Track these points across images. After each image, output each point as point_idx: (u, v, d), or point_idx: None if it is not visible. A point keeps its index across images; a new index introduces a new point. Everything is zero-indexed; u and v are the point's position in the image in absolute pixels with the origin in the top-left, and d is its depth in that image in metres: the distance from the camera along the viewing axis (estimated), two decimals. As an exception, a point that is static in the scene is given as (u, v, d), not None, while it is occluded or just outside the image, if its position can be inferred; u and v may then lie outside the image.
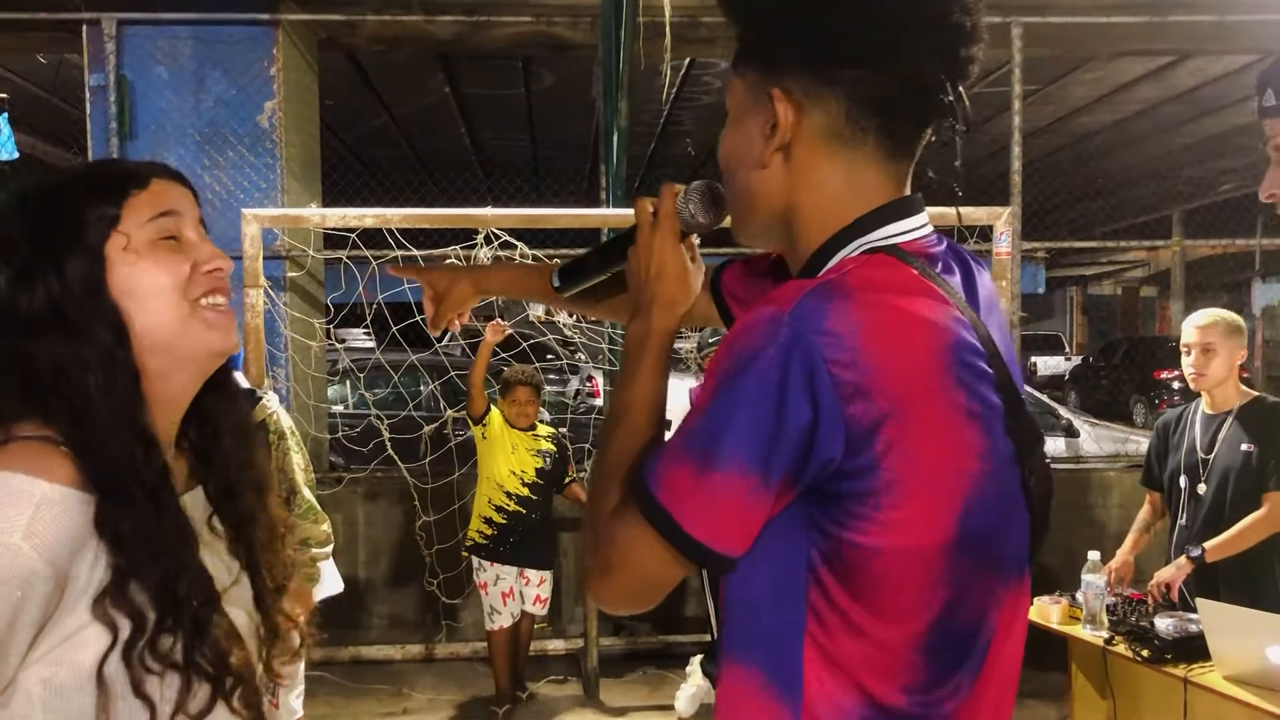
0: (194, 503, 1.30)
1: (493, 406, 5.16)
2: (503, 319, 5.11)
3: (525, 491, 5.09)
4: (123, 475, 1.14)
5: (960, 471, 1.11)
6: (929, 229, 1.22)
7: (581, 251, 1.55)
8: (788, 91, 1.18)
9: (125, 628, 1.12)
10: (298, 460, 3.78)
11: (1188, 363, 3.78)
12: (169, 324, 1.21)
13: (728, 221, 1.32)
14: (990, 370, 1.14)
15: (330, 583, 4.02)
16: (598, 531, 1.18)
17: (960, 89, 1.17)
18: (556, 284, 1.53)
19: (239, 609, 1.30)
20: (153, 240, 1.22)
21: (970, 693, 1.17)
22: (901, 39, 1.14)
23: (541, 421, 5.37)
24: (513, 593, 5.08)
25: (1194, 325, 3.77)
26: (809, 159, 1.19)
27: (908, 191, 1.23)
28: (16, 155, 6.66)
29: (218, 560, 1.29)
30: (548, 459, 5.16)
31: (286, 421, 3.80)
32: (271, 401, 3.80)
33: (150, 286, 1.21)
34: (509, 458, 5.10)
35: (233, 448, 1.35)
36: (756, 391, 1.04)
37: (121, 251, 1.20)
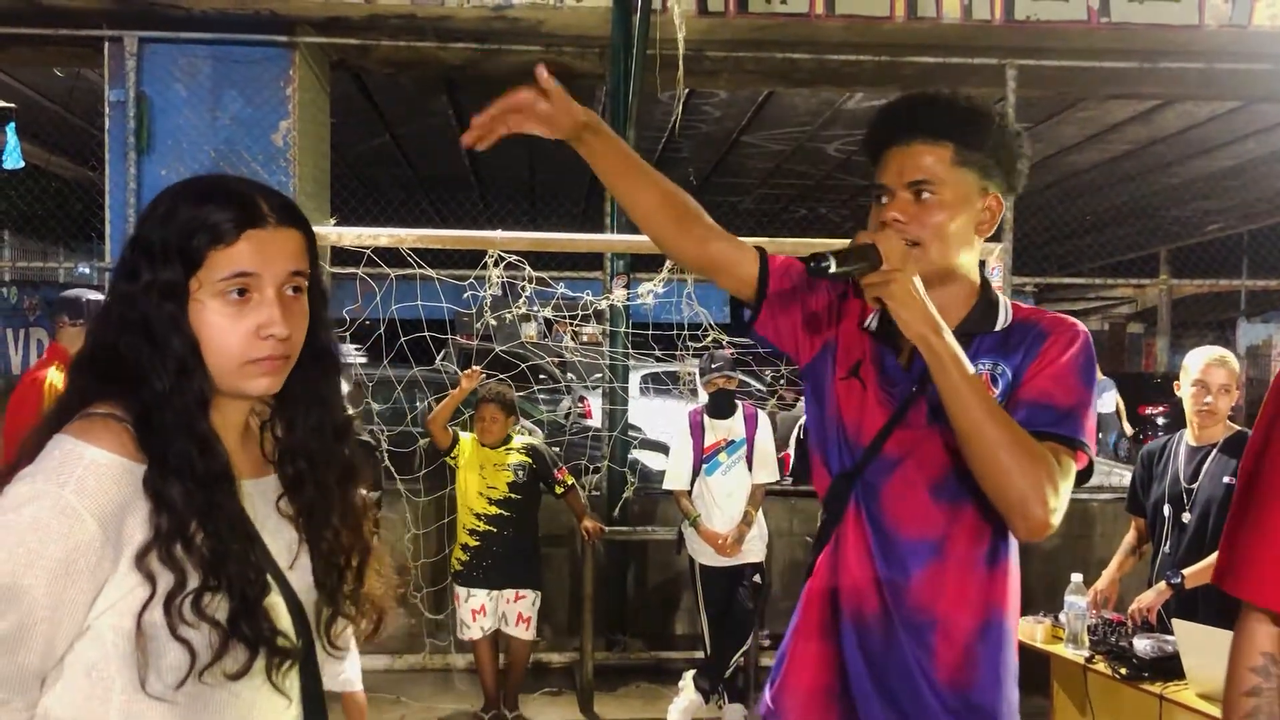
0: (262, 488, 1.42)
1: (461, 436, 5.22)
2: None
3: (495, 510, 5.09)
4: (178, 464, 1.26)
5: None
6: None
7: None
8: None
9: (167, 582, 1.23)
10: None
11: (1202, 400, 3.80)
12: (220, 368, 1.32)
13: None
14: None
15: None
16: None
17: None
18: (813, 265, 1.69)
19: (299, 587, 1.41)
20: (221, 294, 1.30)
21: None
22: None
23: (527, 431, 5.40)
24: (483, 609, 5.09)
25: (1215, 366, 3.80)
26: None
27: None
28: (22, 164, 6.81)
29: (280, 540, 1.40)
30: (520, 471, 5.12)
31: None
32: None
33: (212, 333, 1.30)
34: (477, 479, 5.12)
35: (304, 442, 1.44)
36: None
37: (197, 291, 1.30)
